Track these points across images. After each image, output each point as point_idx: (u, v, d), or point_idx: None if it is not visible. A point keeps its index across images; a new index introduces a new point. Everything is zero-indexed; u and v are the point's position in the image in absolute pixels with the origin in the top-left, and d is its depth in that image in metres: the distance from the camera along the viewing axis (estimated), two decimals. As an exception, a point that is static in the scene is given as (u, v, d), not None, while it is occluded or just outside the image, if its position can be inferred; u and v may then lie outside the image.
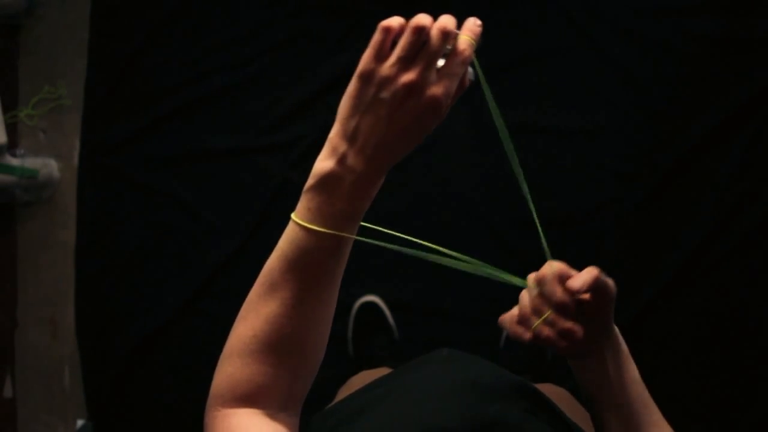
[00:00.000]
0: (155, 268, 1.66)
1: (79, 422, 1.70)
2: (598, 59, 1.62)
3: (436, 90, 0.54)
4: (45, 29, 1.80)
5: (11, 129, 1.75)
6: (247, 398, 0.58)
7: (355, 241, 0.59)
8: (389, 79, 0.52)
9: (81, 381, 1.67)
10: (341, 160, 0.56)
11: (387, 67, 0.52)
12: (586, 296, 0.57)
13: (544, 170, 1.60)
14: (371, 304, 1.57)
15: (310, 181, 0.56)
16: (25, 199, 1.75)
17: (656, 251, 1.55)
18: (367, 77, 0.53)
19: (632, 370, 0.64)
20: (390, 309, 1.57)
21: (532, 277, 0.61)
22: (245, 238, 1.63)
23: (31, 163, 1.72)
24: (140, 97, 1.70)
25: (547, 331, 0.59)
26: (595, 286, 0.56)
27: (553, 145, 1.61)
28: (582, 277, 0.56)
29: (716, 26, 1.59)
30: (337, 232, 0.55)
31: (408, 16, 0.54)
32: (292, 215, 0.57)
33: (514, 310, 0.62)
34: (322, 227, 0.55)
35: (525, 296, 0.61)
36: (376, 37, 0.53)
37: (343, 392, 0.93)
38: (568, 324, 0.57)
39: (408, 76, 0.52)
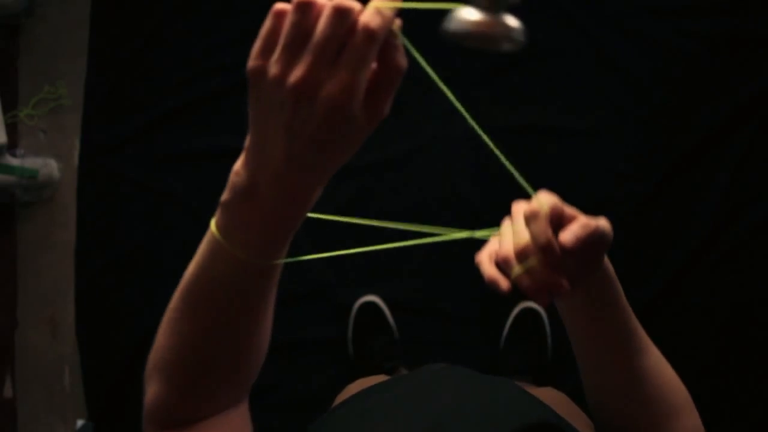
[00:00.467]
0: (155, 268, 1.66)
1: (79, 422, 1.70)
2: (598, 59, 1.62)
3: (330, 88, 0.39)
4: (45, 29, 1.80)
5: (11, 129, 1.75)
6: (186, 419, 0.53)
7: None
8: (276, 79, 0.41)
9: (81, 381, 1.67)
10: (253, 174, 0.44)
11: (272, 63, 0.41)
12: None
13: (545, 170, 1.60)
14: (371, 304, 1.56)
15: (226, 194, 0.46)
16: (25, 199, 1.75)
17: (656, 251, 1.55)
18: (256, 77, 0.42)
19: (619, 299, 0.57)
20: (390, 309, 1.57)
21: (519, 209, 0.52)
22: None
23: (31, 163, 1.72)
24: (140, 97, 1.70)
25: (527, 281, 0.48)
26: (591, 241, 0.48)
27: (553, 145, 1.61)
28: (575, 233, 0.47)
29: (716, 26, 1.59)
30: (259, 261, 0.47)
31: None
32: (212, 225, 0.48)
33: (493, 246, 0.51)
34: (243, 248, 0.46)
35: (507, 230, 0.51)
36: (266, 24, 0.41)
37: (339, 400, 0.91)
38: (554, 277, 0.47)
39: (295, 74, 0.39)
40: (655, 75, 1.60)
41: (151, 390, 0.53)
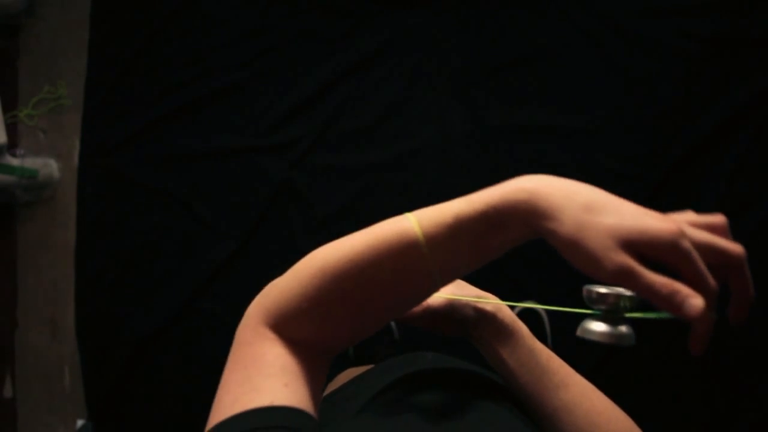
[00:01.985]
0: (155, 268, 1.66)
1: (79, 422, 1.70)
2: (598, 59, 1.62)
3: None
4: (45, 29, 1.80)
5: (11, 129, 1.75)
6: (302, 325, 0.52)
7: None
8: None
9: (81, 381, 1.67)
10: (554, 216, 0.46)
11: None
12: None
13: (545, 170, 1.59)
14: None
15: (471, 214, 0.48)
16: (25, 199, 1.75)
17: (656, 251, 1.55)
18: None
19: (522, 346, 0.64)
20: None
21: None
22: (245, 239, 1.63)
23: (31, 163, 1.72)
24: (140, 97, 1.70)
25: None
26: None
27: (553, 145, 1.61)
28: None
29: (716, 26, 1.59)
30: (439, 282, 0.51)
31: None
32: (417, 228, 0.49)
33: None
34: (436, 266, 0.49)
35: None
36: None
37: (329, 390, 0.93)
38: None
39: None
40: (655, 75, 1.60)
41: (303, 284, 0.52)
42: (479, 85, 1.64)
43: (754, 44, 1.58)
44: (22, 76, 1.80)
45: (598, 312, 0.51)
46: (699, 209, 1.59)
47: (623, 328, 0.50)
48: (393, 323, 1.56)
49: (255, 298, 0.55)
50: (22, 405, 1.74)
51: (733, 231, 1.33)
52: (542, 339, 1.51)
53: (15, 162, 1.69)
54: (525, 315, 1.52)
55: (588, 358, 1.53)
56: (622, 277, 0.43)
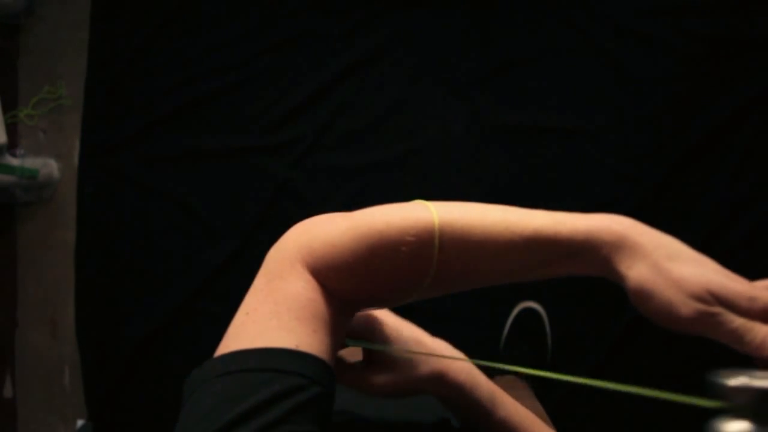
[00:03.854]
0: (155, 268, 1.66)
1: (79, 422, 1.70)
2: (598, 59, 1.62)
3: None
4: (45, 29, 1.80)
5: (11, 129, 1.75)
6: (342, 278, 0.51)
7: None
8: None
9: (81, 381, 1.67)
10: (636, 261, 0.47)
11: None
12: None
13: (545, 170, 1.60)
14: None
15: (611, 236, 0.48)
16: (25, 199, 1.75)
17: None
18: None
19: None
20: (392, 310, 1.57)
21: None
22: (245, 238, 1.63)
23: (31, 163, 1.72)
24: (140, 97, 1.70)
25: None
26: None
27: (553, 145, 1.61)
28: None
29: (716, 26, 1.59)
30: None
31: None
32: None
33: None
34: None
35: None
36: None
37: None
38: None
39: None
40: (655, 75, 1.60)
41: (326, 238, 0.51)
42: (479, 85, 1.64)
43: (754, 44, 1.58)
44: (22, 76, 1.80)
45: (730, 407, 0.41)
46: (698, 209, 1.60)
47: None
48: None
49: (294, 229, 0.53)
50: (22, 405, 1.74)
51: (733, 231, 1.34)
52: (542, 338, 1.52)
53: (15, 162, 1.69)
54: (525, 315, 1.52)
55: (588, 358, 1.53)
56: (702, 320, 0.44)
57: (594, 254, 0.47)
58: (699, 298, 0.44)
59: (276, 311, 0.49)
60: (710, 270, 0.46)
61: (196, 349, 1.56)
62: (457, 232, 0.50)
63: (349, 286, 0.52)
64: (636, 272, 0.46)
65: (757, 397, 0.38)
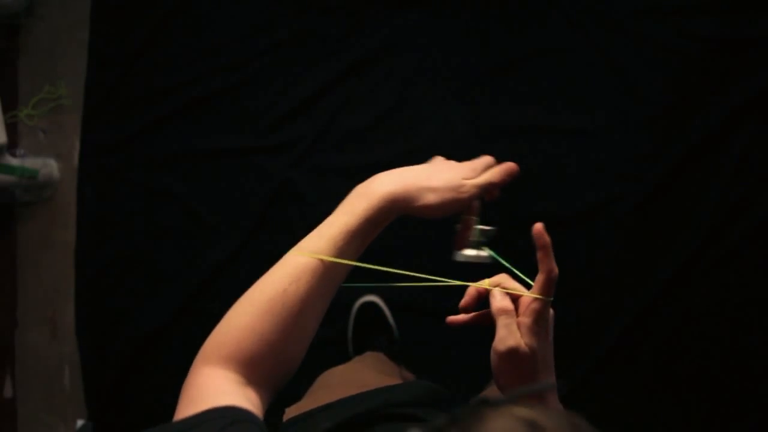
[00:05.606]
0: (155, 268, 1.66)
1: (79, 422, 1.70)
2: (598, 59, 1.62)
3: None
4: (45, 29, 1.80)
5: (11, 129, 1.75)
6: (243, 359, 0.59)
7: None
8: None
9: (81, 381, 1.66)
10: (417, 197, 0.69)
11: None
12: None
13: (545, 170, 1.60)
14: (371, 304, 1.56)
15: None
16: (25, 199, 1.75)
17: (656, 251, 1.55)
18: None
19: None
20: (390, 309, 1.57)
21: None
22: (245, 239, 1.63)
23: (31, 163, 1.72)
24: (140, 97, 1.70)
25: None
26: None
27: (553, 145, 1.61)
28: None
29: (716, 26, 1.59)
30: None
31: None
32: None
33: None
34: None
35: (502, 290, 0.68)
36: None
37: (315, 389, 0.98)
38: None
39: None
40: (655, 75, 1.60)
41: (236, 323, 0.62)
42: (479, 85, 1.64)
43: (754, 44, 1.58)
44: (22, 76, 1.80)
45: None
46: (698, 209, 1.60)
47: (483, 252, 0.72)
48: (392, 322, 1.56)
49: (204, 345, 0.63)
50: (22, 405, 1.74)
51: (734, 228, 1.34)
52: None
53: (15, 162, 1.69)
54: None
55: (588, 358, 1.53)
56: (477, 190, 0.68)
57: (391, 214, 0.65)
58: (460, 184, 0.68)
59: (193, 407, 0.60)
60: (450, 170, 0.70)
61: (196, 349, 1.56)
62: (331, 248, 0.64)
63: (263, 358, 0.61)
64: (427, 202, 0.67)
65: (475, 240, 0.72)
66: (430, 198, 0.66)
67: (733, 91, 1.57)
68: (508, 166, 0.71)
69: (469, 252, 0.71)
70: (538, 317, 0.62)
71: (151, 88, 1.70)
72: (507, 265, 0.72)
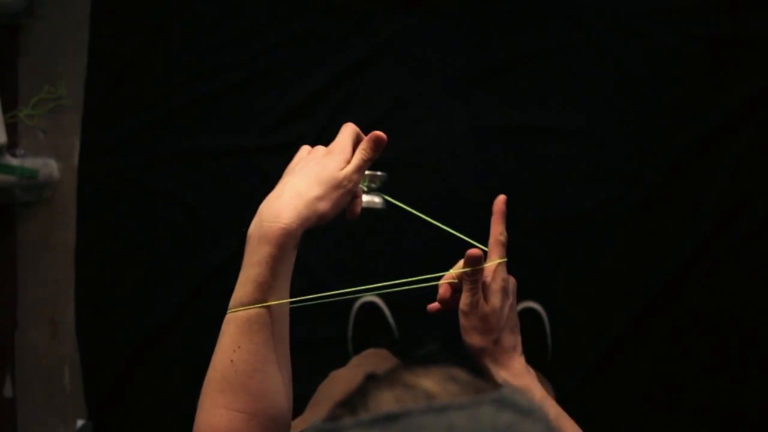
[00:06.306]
0: (155, 268, 1.66)
1: (79, 422, 1.70)
2: (598, 59, 1.62)
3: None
4: (45, 29, 1.80)
5: (11, 129, 1.74)
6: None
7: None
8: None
9: (81, 381, 1.66)
10: (307, 223, 0.69)
11: None
12: None
13: (545, 170, 1.60)
14: (371, 304, 1.56)
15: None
16: (25, 199, 1.74)
17: (656, 251, 1.55)
18: None
19: None
20: (390, 309, 1.57)
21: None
22: (245, 239, 1.62)
23: (31, 163, 1.72)
24: (140, 97, 1.70)
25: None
26: None
27: (553, 145, 1.61)
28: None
29: (716, 26, 1.59)
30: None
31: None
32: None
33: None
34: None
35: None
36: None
37: (319, 399, 0.99)
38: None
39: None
40: (655, 75, 1.60)
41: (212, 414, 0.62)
42: (479, 85, 1.63)
43: (754, 44, 1.58)
44: (22, 76, 1.80)
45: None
46: (698, 208, 1.60)
47: (376, 198, 0.75)
48: (392, 322, 1.56)
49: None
50: (22, 405, 1.74)
51: (734, 228, 1.35)
52: (542, 338, 1.51)
53: (15, 162, 1.69)
54: (524, 315, 1.52)
55: (588, 358, 1.53)
56: (358, 175, 0.71)
57: (290, 250, 0.66)
58: (341, 174, 0.70)
59: None
60: (324, 167, 0.72)
61: (196, 349, 1.55)
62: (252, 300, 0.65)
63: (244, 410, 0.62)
64: (324, 214, 0.68)
65: (367, 186, 0.76)
66: (321, 207, 0.66)
67: (732, 90, 1.57)
68: (374, 135, 0.72)
69: (364, 198, 0.73)
70: (496, 275, 0.71)
71: (151, 88, 1.70)
72: (402, 206, 0.79)
